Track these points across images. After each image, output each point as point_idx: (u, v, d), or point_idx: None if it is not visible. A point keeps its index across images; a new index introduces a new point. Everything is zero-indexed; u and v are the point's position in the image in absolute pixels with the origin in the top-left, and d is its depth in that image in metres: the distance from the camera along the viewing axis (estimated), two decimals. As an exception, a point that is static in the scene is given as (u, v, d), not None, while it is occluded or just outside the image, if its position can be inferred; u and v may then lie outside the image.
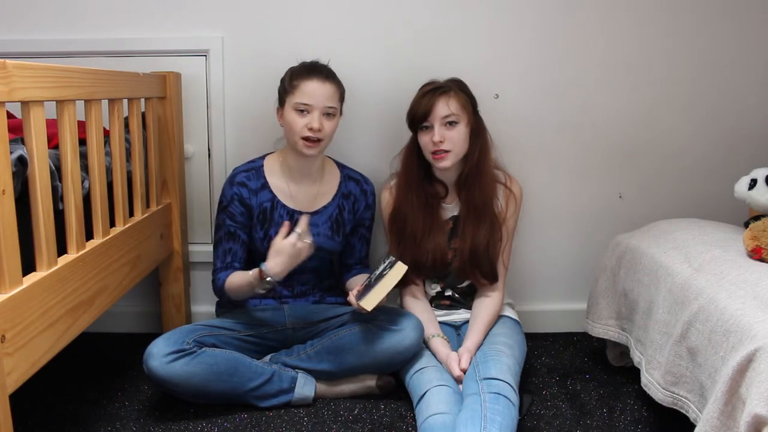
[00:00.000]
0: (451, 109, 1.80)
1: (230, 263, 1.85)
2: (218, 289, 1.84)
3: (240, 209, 1.84)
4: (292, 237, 1.66)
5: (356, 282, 1.89)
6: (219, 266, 1.86)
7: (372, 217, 2.01)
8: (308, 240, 1.68)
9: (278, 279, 1.68)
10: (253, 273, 1.70)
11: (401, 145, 1.96)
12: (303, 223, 1.69)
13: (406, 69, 2.07)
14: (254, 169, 1.88)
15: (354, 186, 1.96)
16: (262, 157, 1.92)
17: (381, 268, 1.72)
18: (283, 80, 1.84)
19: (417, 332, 1.74)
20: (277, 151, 1.94)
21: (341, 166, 1.98)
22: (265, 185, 1.87)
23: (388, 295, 1.69)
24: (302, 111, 1.77)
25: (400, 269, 1.69)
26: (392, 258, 1.72)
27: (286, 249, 1.66)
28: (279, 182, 1.88)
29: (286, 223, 1.70)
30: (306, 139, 1.77)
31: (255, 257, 1.90)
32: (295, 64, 1.86)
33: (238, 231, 1.85)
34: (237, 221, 1.85)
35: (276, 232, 1.73)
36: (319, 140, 1.78)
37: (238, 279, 1.77)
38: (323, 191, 1.92)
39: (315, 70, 1.80)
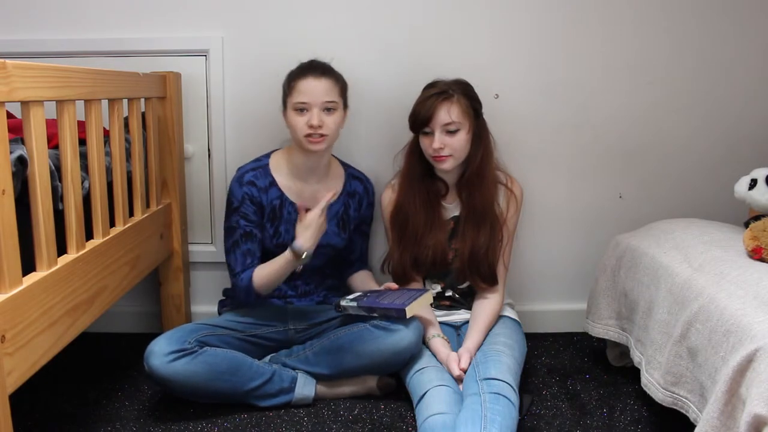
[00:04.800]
0: (452, 117, 1.80)
1: (250, 264, 1.83)
2: (245, 288, 1.80)
3: (252, 208, 1.84)
4: (317, 209, 1.75)
5: (361, 283, 2.01)
6: (239, 270, 1.82)
7: (372, 215, 2.05)
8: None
9: (311, 253, 1.75)
10: (285, 256, 1.75)
11: (401, 144, 1.96)
12: (329, 195, 1.79)
13: (406, 69, 2.08)
14: (260, 167, 1.88)
15: (358, 184, 1.99)
16: (267, 155, 1.92)
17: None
18: (284, 84, 1.86)
19: (415, 332, 1.74)
20: (283, 148, 1.94)
21: (344, 165, 2.00)
22: (273, 183, 1.87)
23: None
24: (301, 110, 1.78)
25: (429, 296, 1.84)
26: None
27: (314, 222, 1.74)
28: (285, 180, 1.89)
29: (301, 204, 1.78)
30: (309, 136, 1.78)
31: (263, 256, 1.91)
32: (294, 64, 1.86)
33: (254, 230, 1.85)
34: (251, 220, 1.85)
35: (286, 230, 1.83)
36: (322, 135, 1.78)
37: (268, 268, 1.80)
38: (329, 189, 1.92)
39: (310, 68, 1.81)
